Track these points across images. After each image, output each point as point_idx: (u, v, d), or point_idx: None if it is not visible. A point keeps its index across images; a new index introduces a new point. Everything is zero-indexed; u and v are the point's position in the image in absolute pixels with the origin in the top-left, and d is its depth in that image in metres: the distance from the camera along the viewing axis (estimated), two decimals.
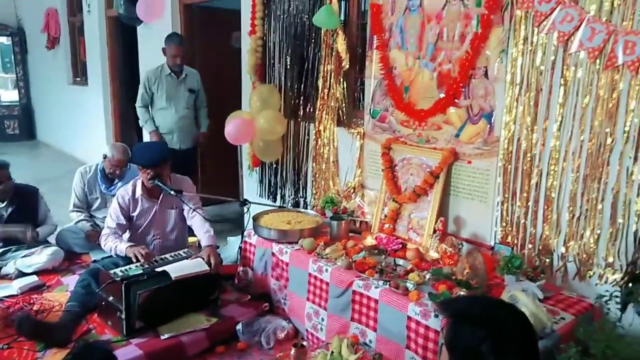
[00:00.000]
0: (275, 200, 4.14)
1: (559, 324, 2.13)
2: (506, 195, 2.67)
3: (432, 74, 2.93)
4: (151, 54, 5.52)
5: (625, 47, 2.13)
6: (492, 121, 2.69)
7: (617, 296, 2.21)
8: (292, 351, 2.33)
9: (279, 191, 4.12)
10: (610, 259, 2.30)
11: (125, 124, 6.73)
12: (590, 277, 2.39)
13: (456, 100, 2.82)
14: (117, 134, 6.63)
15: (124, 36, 6.30)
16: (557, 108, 2.42)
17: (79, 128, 7.51)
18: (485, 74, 2.68)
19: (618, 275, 2.27)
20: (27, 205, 3.58)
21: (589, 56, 2.26)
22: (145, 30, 5.53)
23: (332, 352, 2.12)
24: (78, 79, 7.40)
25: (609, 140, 2.26)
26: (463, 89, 2.78)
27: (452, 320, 1.39)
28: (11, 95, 9.31)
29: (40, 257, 3.45)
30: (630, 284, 2.20)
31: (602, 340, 1.96)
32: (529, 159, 2.56)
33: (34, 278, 3.29)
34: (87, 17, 6.65)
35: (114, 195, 3.87)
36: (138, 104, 4.49)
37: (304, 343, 2.44)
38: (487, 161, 2.74)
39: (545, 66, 2.44)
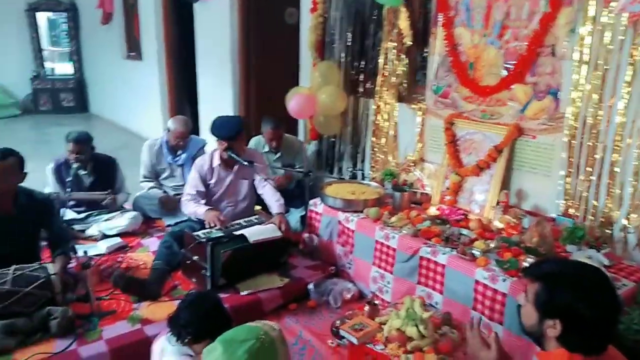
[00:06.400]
0: (332, 172, 4.33)
1: (621, 289, 2.27)
2: (570, 170, 2.79)
3: (498, 51, 3.02)
4: (208, 31, 5.73)
5: None
6: (558, 98, 2.79)
7: None
8: (366, 307, 2.54)
9: (336, 164, 4.30)
10: None
11: (180, 97, 7.01)
12: None
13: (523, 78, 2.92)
14: (172, 107, 6.90)
15: (178, 10, 6.50)
16: (624, 87, 2.52)
17: (133, 101, 7.81)
18: (553, 52, 2.77)
19: None
20: (106, 173, 3.84)
21: None
22: (202, 6, 5.72)
23: (408, 309, 2.32)
24: (132, 53, 7.65)
25: None
26: (530, 67, 2.87)
27: (543, 283, 1.49)
28: (66, 69, 9.67)
29: (122, 220, 3.74)
30: None
31: None
32: (594, 134, 2.67)
33: (118, 239, 3.59)
34: None
35: (180, 165, 4.17)
36: None
37: (376, 302, 2.65)
38: (552, 136, 2.85)
39: (613, 46, 2.53)
